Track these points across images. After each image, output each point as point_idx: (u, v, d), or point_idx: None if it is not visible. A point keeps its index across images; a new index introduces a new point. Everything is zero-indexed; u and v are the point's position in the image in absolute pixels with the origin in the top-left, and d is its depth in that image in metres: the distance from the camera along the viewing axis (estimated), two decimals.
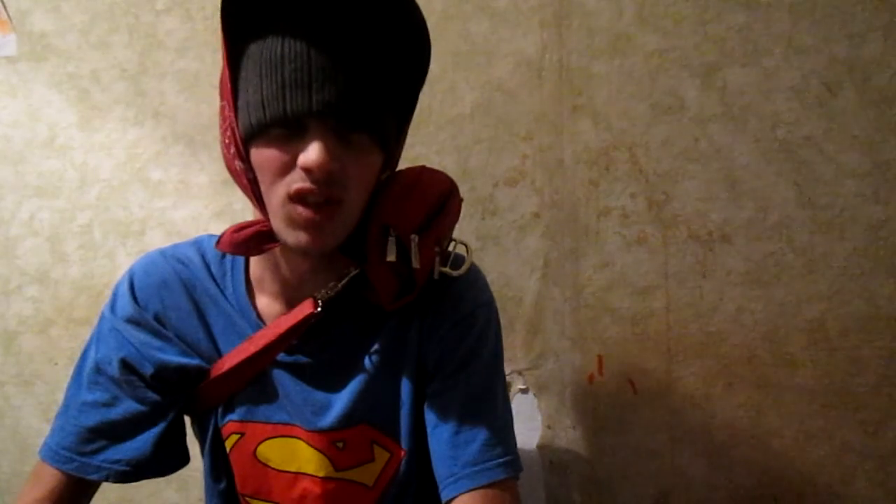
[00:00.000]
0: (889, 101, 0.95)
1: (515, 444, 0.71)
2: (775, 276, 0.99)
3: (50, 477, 0.67)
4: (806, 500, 0.99)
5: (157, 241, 1.16)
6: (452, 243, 0.74)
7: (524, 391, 1.08)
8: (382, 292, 0.66)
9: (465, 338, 0.71)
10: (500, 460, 0.67)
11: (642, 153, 1.03)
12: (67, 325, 1.20)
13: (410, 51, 0.63)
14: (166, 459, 0.70)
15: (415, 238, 0.65)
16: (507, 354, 1.07)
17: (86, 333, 0.72)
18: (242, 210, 1.14)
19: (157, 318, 0.71)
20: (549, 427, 1.07)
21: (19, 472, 1.23)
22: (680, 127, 1.01)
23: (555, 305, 1.06)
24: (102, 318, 0.72)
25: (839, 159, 0.97)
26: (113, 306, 0.72)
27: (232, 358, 0.70)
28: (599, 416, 1.06)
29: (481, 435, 0.68)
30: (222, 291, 0.72)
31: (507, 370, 1.07)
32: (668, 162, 1.02)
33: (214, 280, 0.73)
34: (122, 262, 1.18)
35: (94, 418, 0.68)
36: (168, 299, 0.71)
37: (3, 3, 1.20)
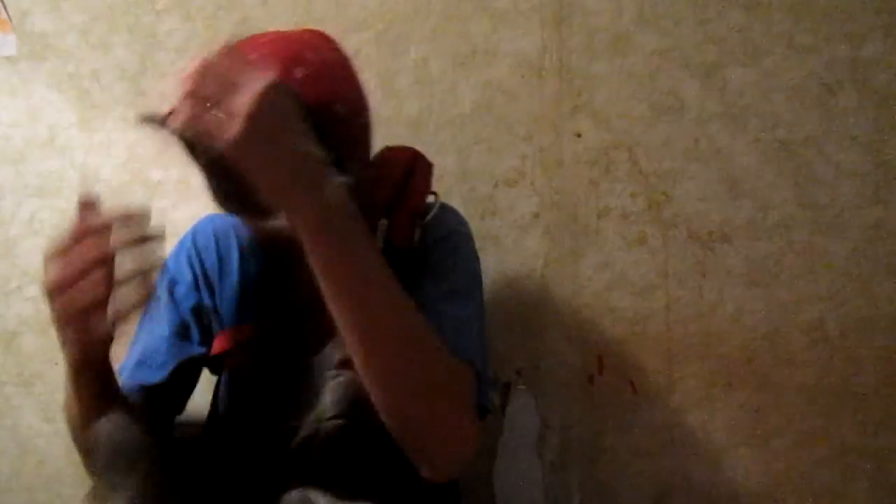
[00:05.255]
0: (889, 101, 0.95)
1: (479, 349, 0.70)
2: (775, 276, 0.99)
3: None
4: (806, 500, 0.99)
5: None
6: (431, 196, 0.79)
7: (523, 391, 1.08)
8: None
9: (438, 251, 0.74)
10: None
11: (642, 153, 1.03)
12: None
13: None
14: (177, 396, 0.78)
15: (384, 223, 0.70)
16: (506, 354, 1.08)
17: None
18: None
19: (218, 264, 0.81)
20: (548, 427, 1.07)
21: (19, 471, 1.23)
22: (680, 127, 1.01)
23: (555, 305, 1.06)
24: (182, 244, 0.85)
25: (839, 159, 0.97)
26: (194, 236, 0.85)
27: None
28: (599, 416, 1.06)
29: (444, 324, 0.67)
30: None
31: (506, 370, 1.08)
32: (668, 162, 1.02)
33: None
34: (123, 262, 1.18)
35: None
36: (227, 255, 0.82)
37: (3, 3, 1.20)
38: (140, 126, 0.65)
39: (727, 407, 1.01)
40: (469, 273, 0.76)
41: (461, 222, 0.81)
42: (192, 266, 0.82)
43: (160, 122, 0.60)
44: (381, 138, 0.92)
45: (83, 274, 0.55)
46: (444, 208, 0.80)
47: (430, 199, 0.80)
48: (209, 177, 0.69)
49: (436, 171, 1.07)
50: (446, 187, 1.08)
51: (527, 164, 1.06)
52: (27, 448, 1.22)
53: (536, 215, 1.06)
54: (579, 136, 1.05)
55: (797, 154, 0.98)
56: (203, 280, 0.82)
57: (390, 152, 0.79)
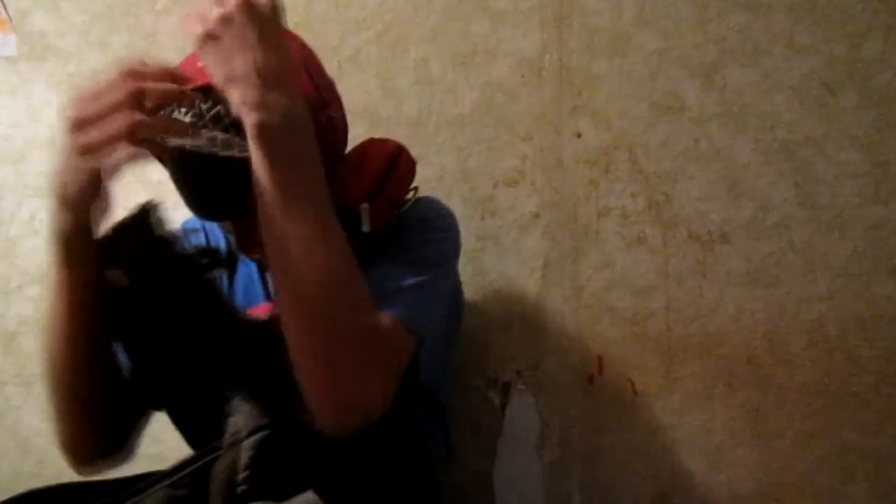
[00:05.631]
0: (889, 101, 0.95)
1: (423, 321, 0.69)
2: (775, 276, 0.99)
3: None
4: (806, 500, 0.99)
5: None
6: (412, 192, 0.81)
7: (523, 391, 1.08)
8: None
9: (405, 234, 0.75)
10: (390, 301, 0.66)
11: (642, 153, 1.03)
12: None
13: None
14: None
15: (365, 207, 0.71)
16: (506, 354, 1.08)
17: None
18: None
19: None
20: (548, 427, 1.07)
21: (19, 471, 1.23)
22: (680, 127, 1.01)
23: (555, 305, 1.06)
24: None
25: (839, 159, 0.97)
26: None
27: None
28: (599, 416, 1.06)
29: (383, 287, 0.67)
30: None
31: (506, 370, 1.08)
32: (668, 162, 1.02)
33: None
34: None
35: None
36: None
37: (3, 3, 1.20)
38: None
39: (727, 407, 1.01)
40: (426, 253, 0.76)
41: (438, 213, 0.82)
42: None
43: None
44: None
45: (109, 111, 0.57)
46: (423, 200, 0.82)
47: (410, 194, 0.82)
48: (183, 183, 0.73)
49: (436, 171, 1.08)
50: (446, 187, 1.08)
51: (527, 164, 1.06)
52: (27, 448, 1.22)
53: (536, 215, 1.06)
54: (579, 136, 1.05)
55: (797, 154, 0.98)
56: None
57: (373, 143, 0.81)
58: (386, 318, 0.65)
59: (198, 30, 0.58)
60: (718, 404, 1.02)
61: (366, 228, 0.71)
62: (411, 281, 0.70)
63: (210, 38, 0.57)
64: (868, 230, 0.96)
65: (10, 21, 1.20)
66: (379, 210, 0.73)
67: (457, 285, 0.92)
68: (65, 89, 1.19)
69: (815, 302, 0.98)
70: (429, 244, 0.76)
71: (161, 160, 0.74)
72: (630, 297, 1.04)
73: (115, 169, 0.56)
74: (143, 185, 1.17)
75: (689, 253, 1.02)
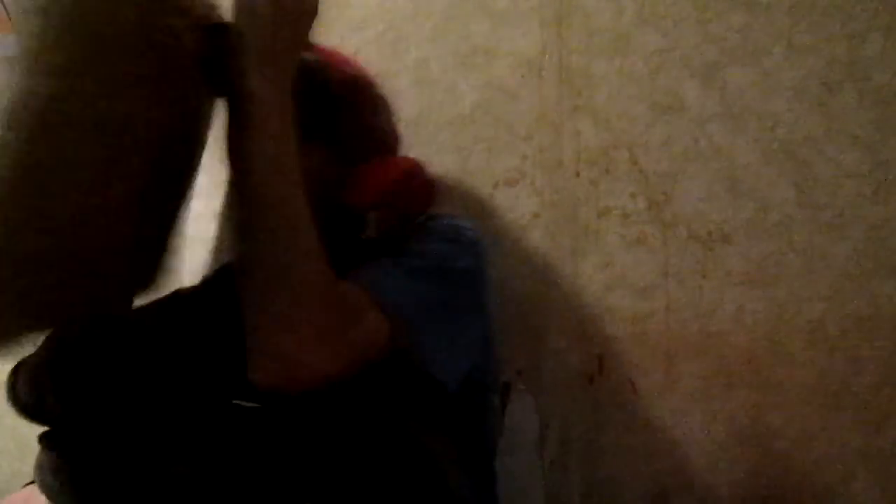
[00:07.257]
0: (889, 101, 0.95)
1: (395, 294, 0.65)
2: (775, 276, 0.99)
3: None
4: (806, 500, 0.99)
5: None
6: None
7: (523, 391, 1.08)
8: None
9: (414, 243, 0.72)
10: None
11: (642, 153, 1.03)
12: None
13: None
14: None
15: (373, 215, 0.72)
16: (506, 354, 1.07)
17: None
18: None
19: None
20: (547, 427, 1.07)
21: (19, 472, 1.23)
22: (680, 127, 1.01)
23: (555, 305, 1.06)
24: None
25: (839, 159, 0.97)
26: None
27: None
28: (599, 416, 1.06)
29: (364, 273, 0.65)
30: None
31: (506, 370, 1.08)
32: (668, 162, 1.02)
33: None
34: None
35: None
36: None
37: (2, 3, 1.20)
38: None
39: (727, 407, 1.01)
40: (425, 258, 0.71)
41: (463, 234, 0.78)
42: None
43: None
44: None
45: None
46: (443, 217, 0.81)
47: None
48: None
49: (436, 172, 1.08)
50: (446, 187, 1.08)
51: (527, 164, 1.06)
52: (27, 448, 1.22)
53: (536, 215, 1.06)
54: (579, 136, 1.05)
55: (797, 154, 0.98)
56: None
57: (400, 159, 0.85)
58: (354, 290, 0.62)
59: None
60: (718, 404, 1.02)
61: (371, 234, 0.71)
62: (400, 271, 0.67)
63: None
64: (868, 230, 0.96)
65: (10, 21, 1.20)
66: (385, 217, 0.73)
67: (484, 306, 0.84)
68: None
69: (815, 302, 0.98)
70: (432, 252, 0.72)
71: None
72: (630, 297, 1.04)
73: None
74: None
75: (689, 253, 1.02)
